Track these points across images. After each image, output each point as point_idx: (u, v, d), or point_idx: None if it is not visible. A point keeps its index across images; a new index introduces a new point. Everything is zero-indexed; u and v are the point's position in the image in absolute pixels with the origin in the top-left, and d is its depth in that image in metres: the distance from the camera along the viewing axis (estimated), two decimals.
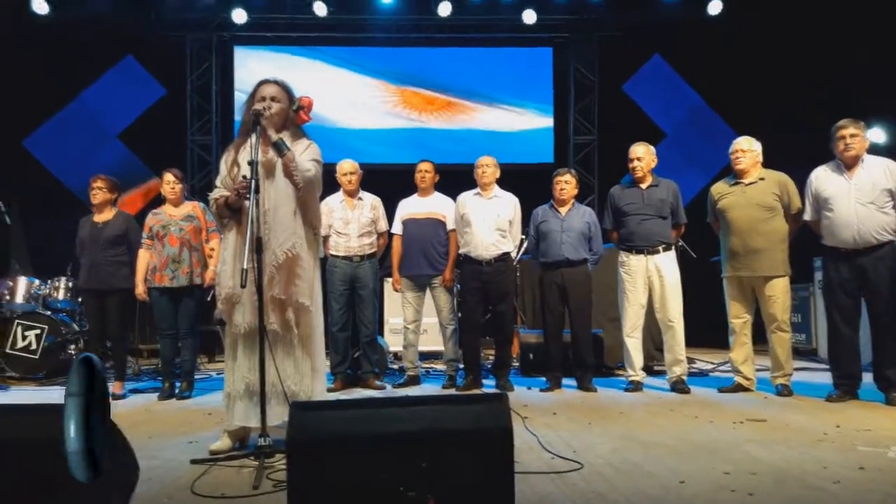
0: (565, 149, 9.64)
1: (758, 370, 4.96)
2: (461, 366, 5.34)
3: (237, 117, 4.65)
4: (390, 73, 9.52)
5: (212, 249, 4.98)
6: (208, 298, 5.13)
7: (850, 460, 2.82)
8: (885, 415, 3.88)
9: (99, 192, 5.18)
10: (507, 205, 5.21)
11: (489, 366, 5.70)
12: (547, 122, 9.62)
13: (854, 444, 3.13)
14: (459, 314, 5.52)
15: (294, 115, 3.29)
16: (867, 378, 4.40)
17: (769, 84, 8.25)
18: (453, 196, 5.40)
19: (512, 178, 5.77)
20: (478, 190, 5.25)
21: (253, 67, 9.21)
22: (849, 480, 2.53)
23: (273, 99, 3.23)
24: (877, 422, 3.64)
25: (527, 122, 9.58)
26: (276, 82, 3.31)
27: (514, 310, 6.05)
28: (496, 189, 5.26)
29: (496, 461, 2.05)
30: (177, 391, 4.98)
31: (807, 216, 4.59)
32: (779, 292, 4.66)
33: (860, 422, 3.65)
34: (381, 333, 6.60)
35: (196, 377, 5.30)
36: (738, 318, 4.82)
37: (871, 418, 3.76)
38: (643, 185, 5.06)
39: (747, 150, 4.79)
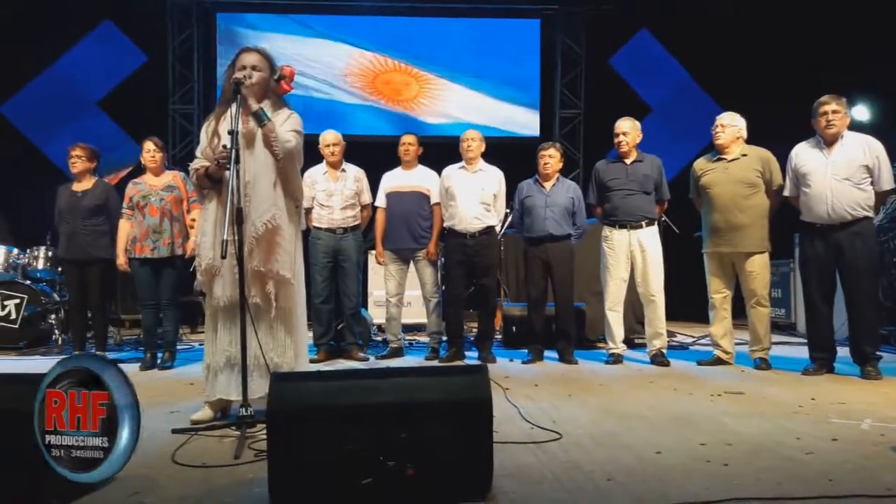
0: (551, 122, 9.62)
1: (737, 344, 5.03)
2: (444, 338, 5.36)
3: (220, 86, 4.59)
4: (375, 43, 9.41)
5: (193, 220, 4.92)
6: (190, 269, 5.09)
7: (823, 432, 2.88)
8: (860, 388, 3.95)
9: (78, 160, 5.11)
10: (492, 178, 5.20)
11: (472, 338, 5.73)
12: (533, 94, 9.57)
13: (828, 416, 3.19)
14: (443, 287, 5.53)
15: (275, 85, 3.24)
16: (843, 352, 4.47)
17: (756, 61, 8.23)
18: (438, 169, 5.37)
19: (497, 151, 5.75)
20: (463, 164, 5.23)
21: (235, 35, 9.06)
22: (822, 451, 2.58)
23: (254, 68, 3.17)
24: (851, 395, 3.71)
25: (513, 94, 9.52)
26: (257, 50, 3.25)
27: (498, 283, 6.07)
28: (481, 163, 5.24)
29: (476, 431, 2.07)
30: (159, 361, 4.97)
31: (787, 192, 4.62)
32: (759, 268, 4.71)
33: (835, 395, 3.71)
34: (365, 306, 6.61)
35: (178, 347, 5.29)
36: (719, 293, 4.87)
37: (846, 391, 3.83)
38: (628, 161, 5.06)
39: (727, 125, 4.79)
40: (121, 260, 4.94)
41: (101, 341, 5.19)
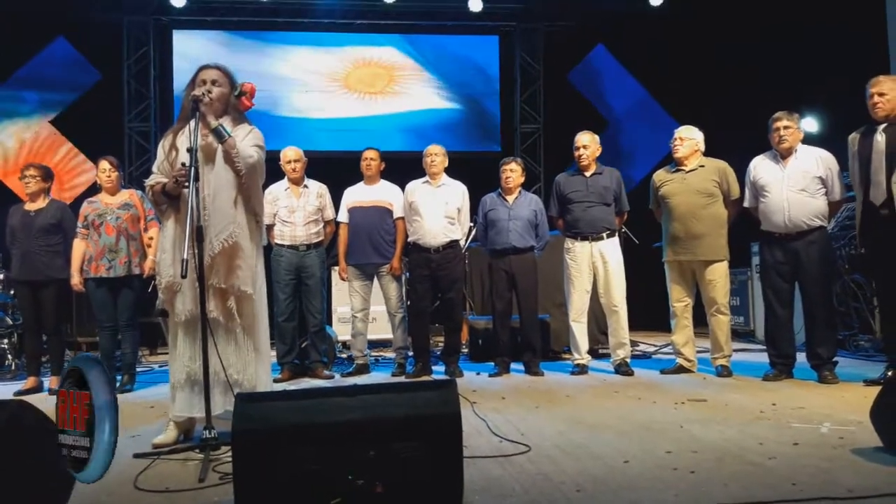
0: (512, 137, 9.70)
1: (698, 352, 5.10)
2: (410, 353, 5.34)
3: (177, 103, 4.51)
4: (333, 58, 9.38)
5: (150, 238, 4.83)
6: (149, 289, 4.99)
7: (785, 437, 2.93)
8: (818, 392, 4.04)
9: (32, 180, 4.97)
10: (456, 193, 5.22)
11: (439, 353, 5.71)
12: (494, 110, 9.65)
13: (789, 421, 3.25)
14: (408, 302, 5.51)
15: (236, 101, 3.21)
16: (801, 357, 4.57)
17: (709, 75, 8.43)
18: (401, 184, 5.37)
19: (460, 165, 5.78)
20: (426, 178, 5.24)
21: (192, 52, 8.95)
22: (784, 456, 2.63)
23: (214, 83, 3.15)
24: (810, 399, 3.80)
25: (473, 110, 9.59)
26: (217, 67, 3.23)
27: (463, 297, 6.08)
28: (444, 177, 5.25)
29: (445, 447, 2.06)
30: (118, 385, 4.84)
31: (746, 203, 4.73)
32: (718, 276, 4.80)
33: (795, 400, 3.79)
34: (329, 323, 6.55)
35: (137, 370, 5.16)
36: (680, 302, 4.95)
37: (805, 396, 3.91)
38: (587, 173, 5.13)
39: (685, 138, 4.91)
40: (75, 280, 4.81)
41: (58, 365, 5.02)
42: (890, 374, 4.09)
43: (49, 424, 2.20)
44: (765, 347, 4.78)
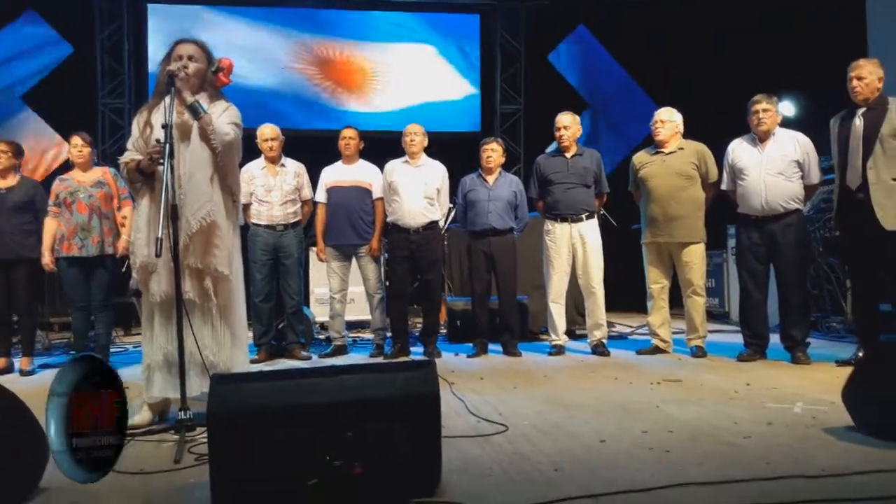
0: (492, 118, 9.66)
1: (674, 333, 5.14)
2: (389, 334, 5.33)
3: (151, 79, 4.39)
4: (312, 34, 9.24)
5: (124, 217, 4.75)
6: (122, 269, 4.91)
7: (759, 416, 2.97)
8: (791, 373, 4.10)
9: (3, 156, 4.85)
10: (436, 173, 5.19)
11: (417, 334, 5.71)
12: (474, 90, 9.59)
13: (763, 401, 3.30)
14: (387, 283, 5.48)
15: (213, 77, 3.15)
16: (775, 338, 4.64)
17: (689, 57, 8.44)
18: (380, 164, 5.33)
19: (439, 146, 5.74)
20: (406, 158, 5.20)
21: (168, 27, 8.76)
22: (758, 435, 2.67)
23: (190, 58, 3.08)
24: (783, 380, 3.85)
25: (454, 90, 9.52)
26: (194, 42, 3.16)
27: (442, 278, 6.07)
28: (424, 157, 5.22)
29: (424, 427, 2.05)
30: None
31: (724, 186, 4.77)
32: (695, 258, 4.84)
33: (768, 380, 3.84)
34: (307, 304, 6.51)
35: (111, 351, 5.10)
36: (656, 284, 4.98)
37: (779, 377, 3.97)
38: (568, 155, 5.12)
39: (666, 120, 4.92)
40: (46, 259, 4.72)
41: (29, 346, 4.93)
42: (861, 355, 4.17)
43: (19, 404, 2.16)
44: (739, 329, 4.84)
